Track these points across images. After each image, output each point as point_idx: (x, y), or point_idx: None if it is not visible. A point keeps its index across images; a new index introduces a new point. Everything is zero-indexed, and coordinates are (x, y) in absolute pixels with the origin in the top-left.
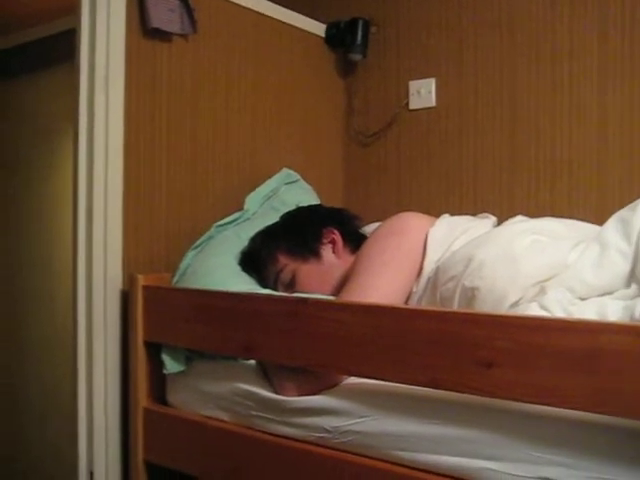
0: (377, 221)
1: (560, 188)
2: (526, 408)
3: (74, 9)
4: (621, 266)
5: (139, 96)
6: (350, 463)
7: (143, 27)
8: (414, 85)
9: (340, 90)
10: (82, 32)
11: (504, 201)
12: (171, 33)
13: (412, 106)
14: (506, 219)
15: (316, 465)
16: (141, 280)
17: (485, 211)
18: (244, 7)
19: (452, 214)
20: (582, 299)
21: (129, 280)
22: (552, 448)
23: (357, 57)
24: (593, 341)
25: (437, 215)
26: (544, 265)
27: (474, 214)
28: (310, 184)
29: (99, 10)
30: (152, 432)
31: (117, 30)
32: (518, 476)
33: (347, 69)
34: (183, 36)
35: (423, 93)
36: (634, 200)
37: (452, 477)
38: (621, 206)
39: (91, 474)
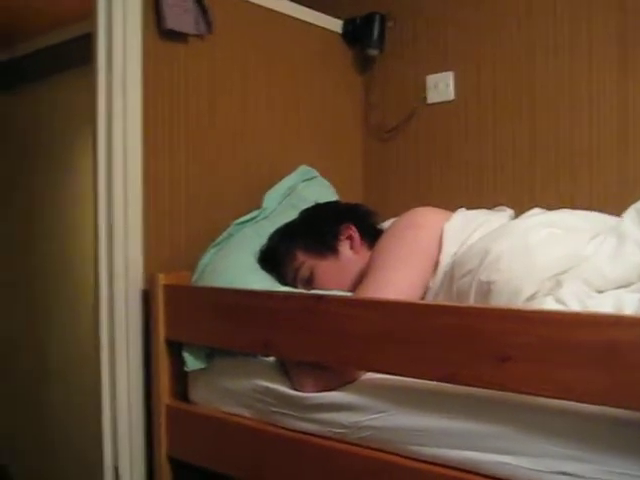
0: (397, 216)
1: (581, 179)
2: (543, 402)
3: (90, 14)
4: (639, 258)
5: (157, 97)
6: (368, 458)
7: (159, 29)
8: (432, 79)
9: (358, 86)
10: (99, 36)
11: (524, 193)
12: (187, 34)
13: (430, 100)
14: (526, 211)
15: (335, 460)
16: (161, 279)
17: (506, 203)
18: (259, 5)
19: (472, 207)
20: (599, 292)
21: (150, 279)
22: (569, 442)
23: (374, 52)
24: (609, 334)
25: (457, 209)
26: (560, 258)
27: (494, 206)
28: (329, 180)
29: (115, 14)
30: (175, 429)
31: (133, 33)
32: (536, 470)
33: (364, 64)
34: (199, 36)
35: (441, 87)
36: None
37: (470, 472)
38: None
39: (116, 470)
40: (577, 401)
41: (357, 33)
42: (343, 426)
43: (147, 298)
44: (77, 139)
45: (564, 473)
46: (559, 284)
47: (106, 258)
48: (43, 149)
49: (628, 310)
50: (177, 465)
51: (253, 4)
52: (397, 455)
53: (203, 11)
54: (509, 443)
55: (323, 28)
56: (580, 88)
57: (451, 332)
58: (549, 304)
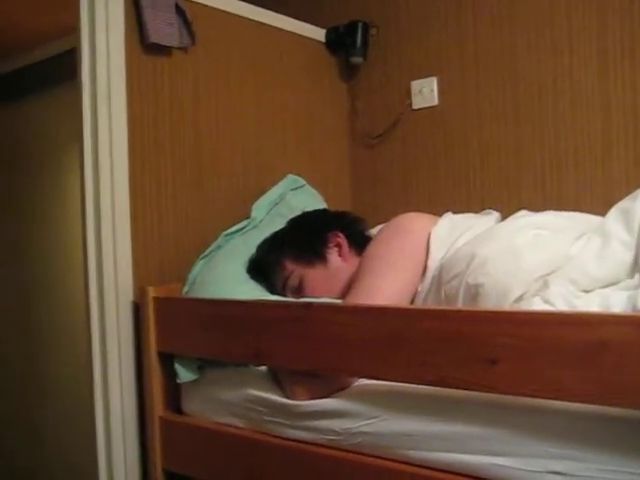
0: (385, 222)
1: (566, 180)
2: (532, 403)
3: (74, 29)
4: (623, 257)
5: (142, 111)
6: (361, 464)
7: (142, 43)
8: (416, 85)
9: (343, 93)
10: (83, 51)
11: (512, 196)
12: (170, 47)
13: (415, 106)
14: (513, 214)
15: (328, 467)
16: (151, 292)
17: (493, 206)
18: (242, 17)
19: (460, 211)
20: (586, 291)
21: (140, 292)
22: (560, 442)
23: (358, 60)
24: (596, 333)
25: (444, 214)
26: (546, 259)
27: (482, 210)
28: (317, 189)
29: (98, 29)
30: (169, 441)
31: (117, 47)
32: (527, 471)
33: (349, 72)
34: (182, 49)
35: (425, 92)
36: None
37: (462, 474)
38: (628, 195)
39: None
40: (566, 400)
41: (340, 41)
42: (336, 433)
43: (137, 311)
44: (65, 155)
45: (556, 472)
46: (546, 285)
47: (96, 272)
48: (32, 166)
49: (615, 308)
50: (173, 478)
51: (236, 15)
52: (390, 460)
53: (186, 23)
54: (500, 444)
55: (306, 37)
56: (563, 88)
57: (440, 336)
58: (537, 305)
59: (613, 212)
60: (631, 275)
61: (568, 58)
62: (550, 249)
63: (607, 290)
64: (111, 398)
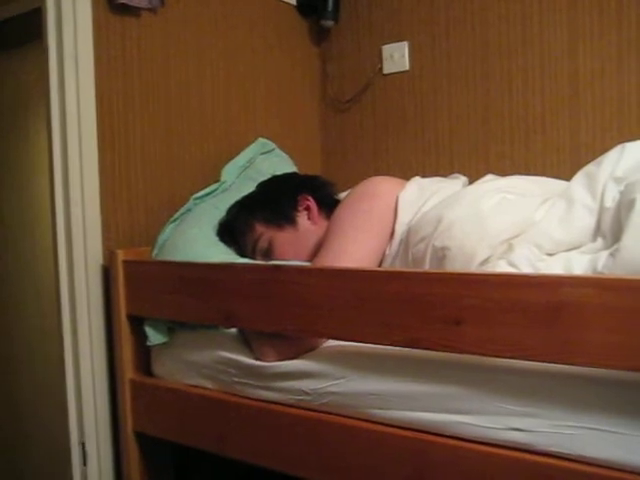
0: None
1: (534, 146)
2: (495, 362)
3: None
4: (587, 221)
5: (110, 72)
6: (329, 423)
7: (110, 3)
8: (387, 49)
9: (314, 57)
10: (48, 11)
11: (480, 161)
12: (139, 7)
13: (386, 70)
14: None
15: (297, 427)
16: (120, 255)
17: (461, 172)
18: None
19: (429, 176)
20: (550, 255)
21: (109, 255)
22: (520, 400)
23: (329, 23)
24: (556, 294)
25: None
26: (511, 223)
27: (450, 174)
28: (287, 152)
29: None
30: (139, 403)
31: (84, 7)
32: (489, 428)
33: (320, 36)
34: (151, 10)
35: (396, 57)
36: None
37: (426, 432)
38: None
39: (83, 446)
40: (527, 360)
41: (312, 4)
42: (304, 393)
43: (107, 274)
44: (32, 117)
45: (516, 429)
46: (511, 248)
47: (65, 235)
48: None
49: (577, 271)
50: (144, 439)
51: None
52: (357, 419)
53: None
54: (463, 403)
55: (278, 0)
56: (532, 55)
57: (406, 298)
58: (502, 268)
59: (578, 176)
60: (594, 239)
61: (538, 27)
62: (515, 213)
63: (570, 253)
64: (81, 361)
